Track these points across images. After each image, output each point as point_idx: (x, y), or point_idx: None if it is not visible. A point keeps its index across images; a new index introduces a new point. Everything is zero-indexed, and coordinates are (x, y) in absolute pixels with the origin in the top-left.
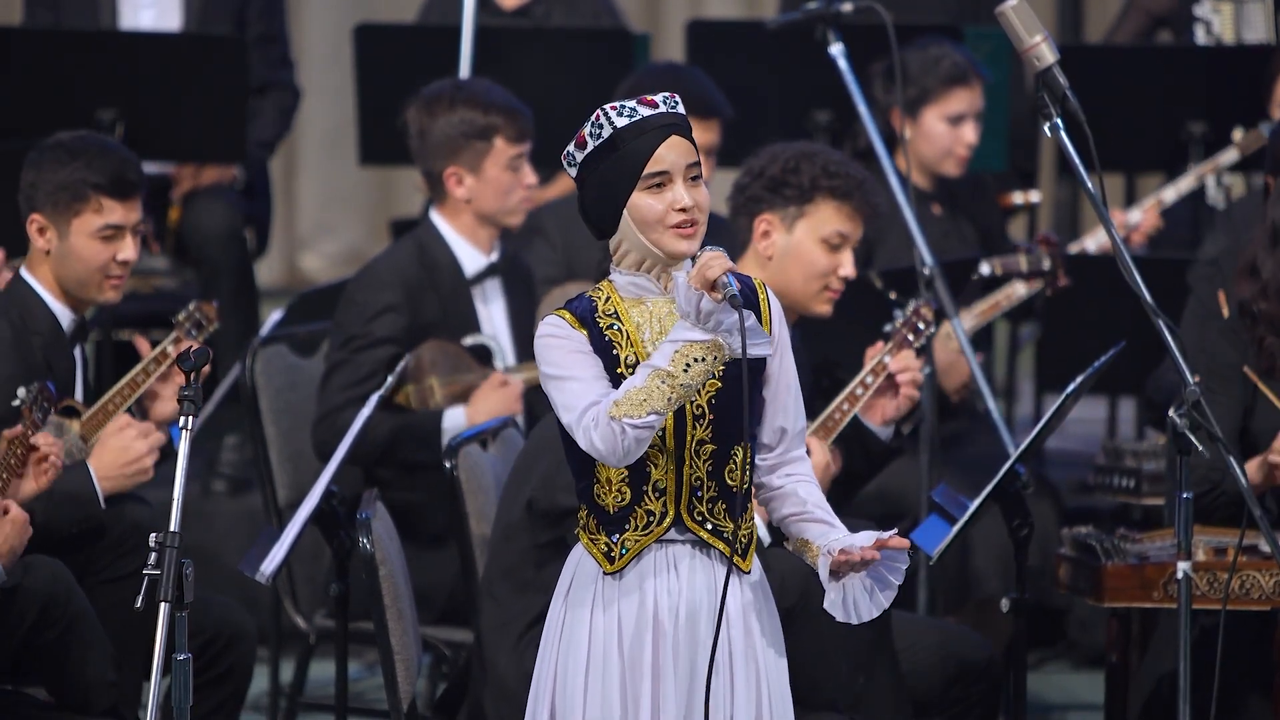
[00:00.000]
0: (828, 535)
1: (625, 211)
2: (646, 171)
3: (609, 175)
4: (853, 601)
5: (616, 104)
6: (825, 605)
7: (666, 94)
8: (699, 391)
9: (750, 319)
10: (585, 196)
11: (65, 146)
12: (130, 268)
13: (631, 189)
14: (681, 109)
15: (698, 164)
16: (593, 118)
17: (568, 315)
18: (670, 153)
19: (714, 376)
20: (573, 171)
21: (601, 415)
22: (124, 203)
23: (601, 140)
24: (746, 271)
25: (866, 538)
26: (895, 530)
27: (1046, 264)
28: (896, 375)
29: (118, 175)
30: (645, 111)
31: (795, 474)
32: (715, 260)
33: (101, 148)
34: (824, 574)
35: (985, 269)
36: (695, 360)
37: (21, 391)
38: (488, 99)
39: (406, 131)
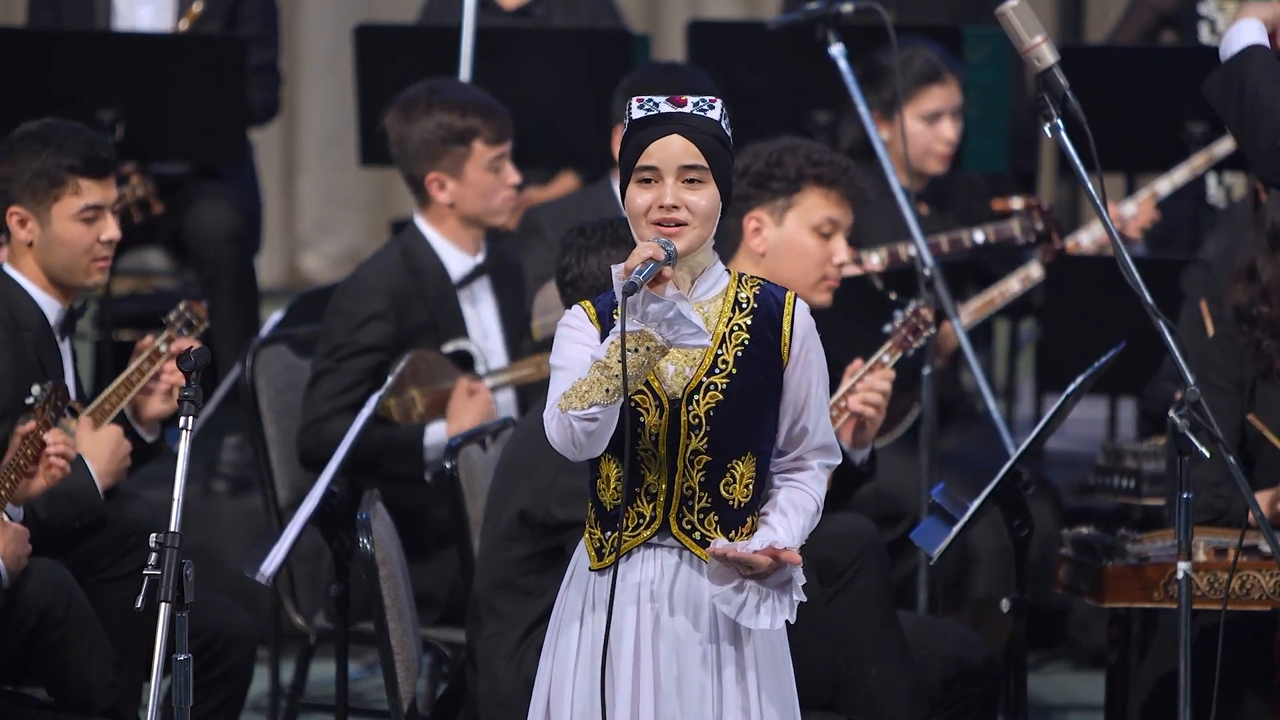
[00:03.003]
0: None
1: (624, 204)
2: (638, 165)
3: (621, 167)
4: (753, 607)
5: (644, 97)
6: (712, 598)
7: (707, 97)
8: (690, 389)
9: (673, 310)
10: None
11: (34, 135)
12: (114, 247)
13: (629, 181)
14: (713, 113)
15: (699, 167)
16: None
17: (589, 308)
18: (661, 150)
19: (715, 389)
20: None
21: (556, 409)
22: (101, 182)
23: (625, 130)
24: (742, 271)
25: (761, 542)
26: (795, 531)
27: (1039, 227)
28: (850, 398)
29: (91, 155)
30: (664, 108)
31: (792, 479)
32: (640, 250)
33: (70, 130)
34: (709, 569)
35: (979, 236)
36: (630, 351)
37: (36, 390)
38: (464, 101)
39: (386, 138)
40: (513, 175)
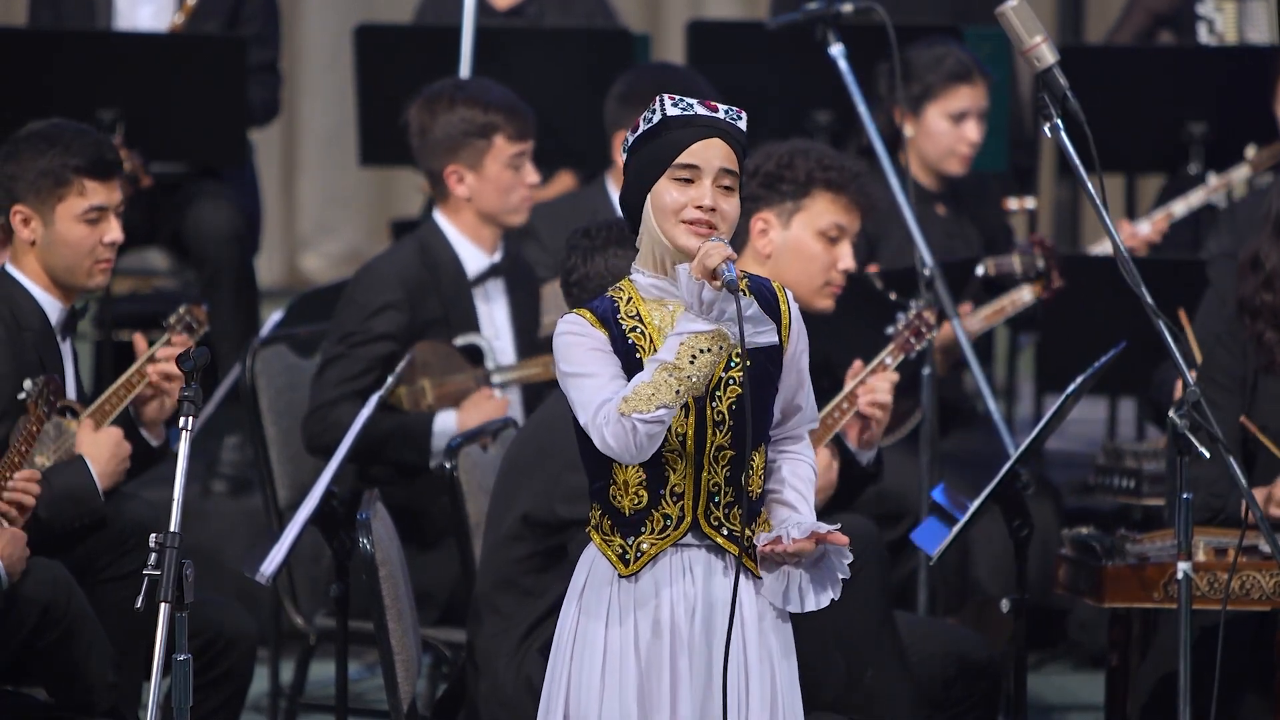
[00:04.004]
0: (785, 519)
1: (648, 198)
2: (677, 162)
3: (644, 160)
4: (797, 591)
5: (675, 96)
6: (761, 592)
7: (734, 107)
8: (712, 385)
9: (752, 307)
10: (624, 181)
11: (41, 134)
12: (116, 249)
13: (659, 176)
14: (741, 124)
15: (733, 174)
16: (651, 103)
17: (588, 314)
18: (706, 150)
19: (734, 383)
20: (624, 158)
21: (612, 412)
22: (106, 183)
23: (651, 124)
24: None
25: (803, 530)
26: (838, 525)
27: (1040, 265)
28: (859, 396)
29: (97, 156)
30: (700, 111)
31: (788, 450)
32: (715, 249)
33: (77, 131)
34: (758, 561)
35: (980, 270)
36: (701, 351)
37: (28, 384)
38: (488, 98)
39: (408, 131)
40: (532, 175)
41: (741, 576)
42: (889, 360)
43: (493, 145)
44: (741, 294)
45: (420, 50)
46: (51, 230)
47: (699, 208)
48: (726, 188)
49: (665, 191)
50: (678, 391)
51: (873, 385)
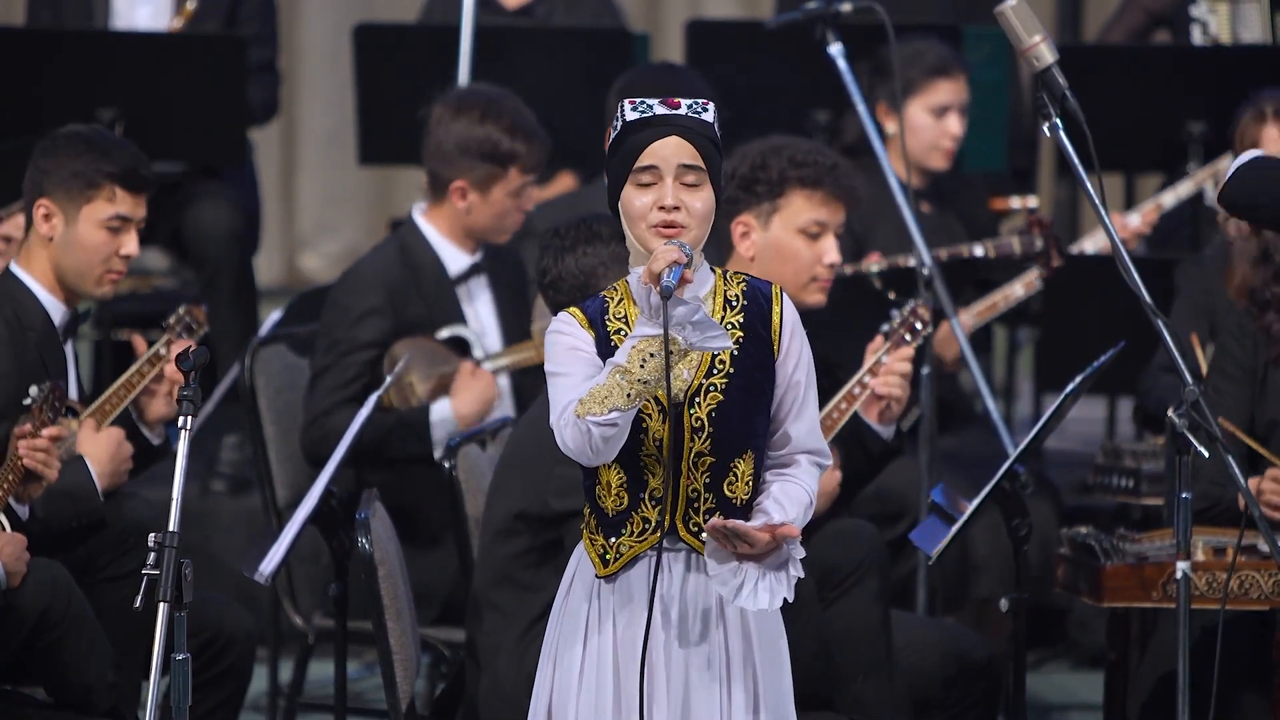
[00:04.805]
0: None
1: (620, 205)
2: (636, 165)
3: (613, 167)
4: (752, 589)
5: (637, 99)
6: (711, 582)
7: (700, 100)
8: (690, 391)
9: (700, 313)
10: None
11: (82, 136)
12: (129, 264)
13: (625, 181)
14: (707, 115)
15: (697, 169)
16: (617, 109)
17: (578, 314)
18: (663, 149)
19: (715, 390)
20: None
21: (570, 414)
22: (134, 196)
23: (616, 132)
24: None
25: (755, 523)
26: (790, 519)
27: (1039, 245)
28: (873, 381)
29: (131, 168)
30: (659, 110)
31: (785, 474)
32: (663, 254)
33: (117, 141)
34: (708, 548)
35: (979, 251)
36: (650, 355)
37: (34, 390)
38: (514, 122)
39: (425, 125)
40: (530, 201)
41: (659, 562)
42: (885, 358)
43: (506, 175)
44: (686, 301)
45: (420, 50)
46: (72, 230)
47: (663, 208)
48: (691, 184)
49: (632, 197)
50: (629, 395)
51: (889, 365)
